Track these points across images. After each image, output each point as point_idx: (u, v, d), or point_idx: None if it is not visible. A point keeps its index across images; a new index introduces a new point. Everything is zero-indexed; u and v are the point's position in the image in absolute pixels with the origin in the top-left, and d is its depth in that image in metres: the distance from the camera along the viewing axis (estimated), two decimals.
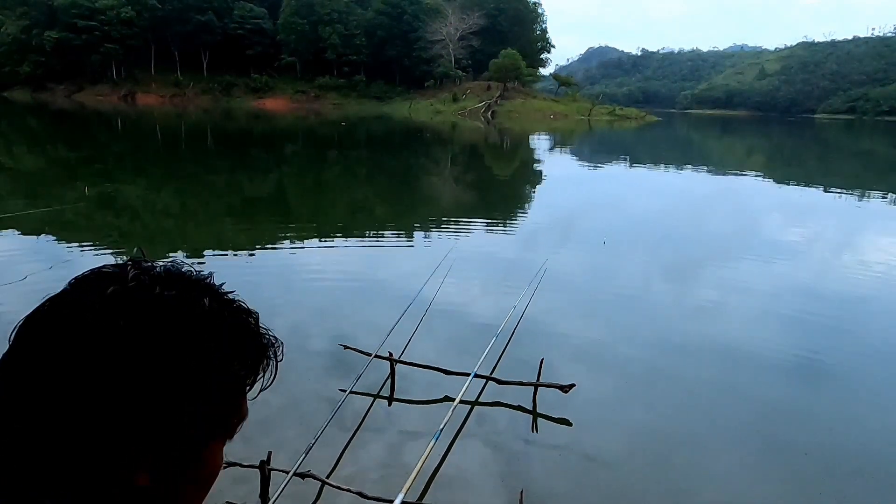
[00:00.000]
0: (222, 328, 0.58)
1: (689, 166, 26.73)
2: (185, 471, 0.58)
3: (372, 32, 75.85)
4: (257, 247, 9.75)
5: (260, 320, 0.64)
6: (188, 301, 0.57)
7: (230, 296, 0.62)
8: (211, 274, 0.63)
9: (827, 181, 22.32)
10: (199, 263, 8.72)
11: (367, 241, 10.62)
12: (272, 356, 0.63)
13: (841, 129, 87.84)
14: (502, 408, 4.76)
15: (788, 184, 21.35)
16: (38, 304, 0.57)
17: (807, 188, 20.46)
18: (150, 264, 0.60)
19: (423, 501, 3.59)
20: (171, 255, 9.05)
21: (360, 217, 13.29)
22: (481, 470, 4.00)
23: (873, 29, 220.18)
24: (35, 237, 9.56)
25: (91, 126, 39.21)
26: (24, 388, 0.53)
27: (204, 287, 0.60)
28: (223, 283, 0.63)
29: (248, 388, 0.62)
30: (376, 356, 4.88)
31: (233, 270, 8.37)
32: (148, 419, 0.53)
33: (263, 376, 0.62)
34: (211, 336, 0.57)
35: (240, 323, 0.61)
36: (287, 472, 3.41)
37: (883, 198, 18.08)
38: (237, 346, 0.59)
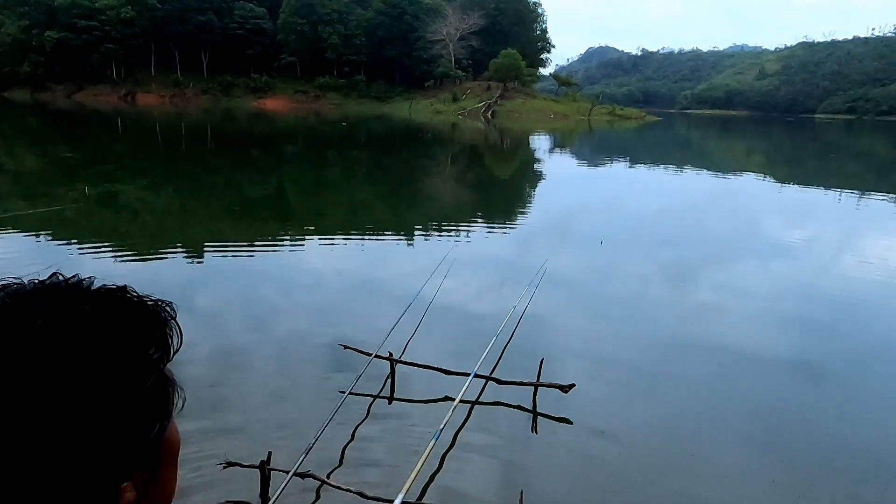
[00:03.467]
0: (119, 328, 0.54)
1: (689, 166, 26.72)
2: (158, 470, 0.58)
3: (372, 32, 75.83)
4: (257, 247, 9.75)
5: (133, 289, 0.58)
6: (68, 321, 0.51)
7: (87, 282, 0.56)
8: (55, 273, 0.57)
9: (827, 181, 22.31)
10: (198, 263, 8.72)
11: (367, 241, 10.61)
12: (170, 319, 0.58)
13: (841, 129, 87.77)
14: (502, 407, 4.76)
15: (788, 184, 21.35)
16: None
17: (807, 188, 20.45)
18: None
19: (423, 501, 3.58)
20: (170, 254, 9.05)
21: (360, 217, 13.29)
22: (481, 470, 4.00)
23: (873, 29, 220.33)
24: (35, 237, 9.57)
25: (91, 126, 39.18)
26: None
27: (72, 294, 0.54)
28: (74, 276, 0.57)
29: (168, 361, 0.58)
30: (376, 356, 4.87)
31: (233, 271, 8.38)
32: (98, 449, 0.51)
33: (173, 342, 0.58)
34: (115, 344, 0.53)
35: (127, 310, 0.56)
36: (287, 472, 3.40)
37: (883, 198, 18.06)
38: (141, 336, 0.55)
